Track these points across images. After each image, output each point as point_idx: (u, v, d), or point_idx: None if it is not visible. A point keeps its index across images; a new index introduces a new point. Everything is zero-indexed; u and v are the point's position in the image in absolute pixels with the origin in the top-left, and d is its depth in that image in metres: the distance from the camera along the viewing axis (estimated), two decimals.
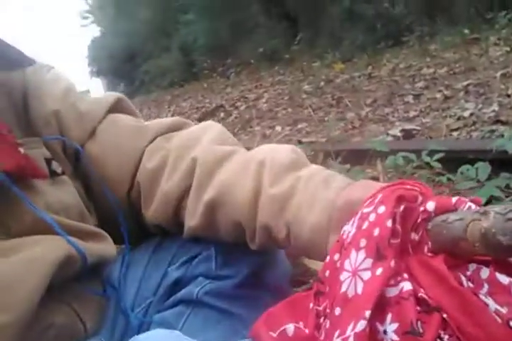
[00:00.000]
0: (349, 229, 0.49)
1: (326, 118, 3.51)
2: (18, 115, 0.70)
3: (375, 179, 1.89)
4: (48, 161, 0.68)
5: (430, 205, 0.47)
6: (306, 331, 0.50)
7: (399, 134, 2.82)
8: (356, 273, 0.45)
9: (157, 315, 0.70)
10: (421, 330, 0.42)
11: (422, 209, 0.48)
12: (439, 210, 0.47)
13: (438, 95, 3.55)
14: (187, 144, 0.72)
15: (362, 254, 0.46)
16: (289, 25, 8.69)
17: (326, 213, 0.56)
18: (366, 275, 0.45)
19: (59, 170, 0.69)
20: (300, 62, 6.93)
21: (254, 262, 0.70)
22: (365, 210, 0.49)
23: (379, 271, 0.44)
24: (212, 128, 0.75)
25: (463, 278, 0.44)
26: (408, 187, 0.50)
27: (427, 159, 1.73)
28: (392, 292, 0.44)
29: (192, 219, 0.68)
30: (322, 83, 5.07)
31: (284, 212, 0.60)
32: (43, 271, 0.54)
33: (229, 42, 10.10)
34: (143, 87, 12.63)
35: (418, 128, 2.91)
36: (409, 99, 3.71)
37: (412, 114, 3.31)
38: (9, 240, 0.57)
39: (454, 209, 0.47)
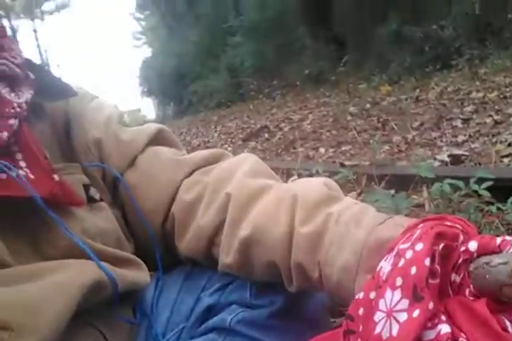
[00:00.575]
0: (385, 266, 0.47)
1: (370, 141, 3.45)
2: (59, 142, 0.72)
3: (421, 206, 1.84)
4: (86, 187, 0.69)
5: (473, 245, 0.45)
6: None
7: (446, 159, 2.75)
8: (391, 314, 0.43)
9: None
10: None
11: (463, 248, 0.45)
12: (482, 251, 0.44)
13: (488, 120, 3.46)
14: (222, 177, 0.72)
15: (398, 294, 0.43)
16: (335, 47, 8.72)
17: (356, 253, 0.55)
18: (402, 316, 0.42)
19: (97, 196, 0.70)
20: (346, 84, 6.91)
21: (289, 292, 0.67)
22: (402, 246, 0.46)
23: (416, 312, 0.42)
24: (247, 160, 0.75)
25: (507, 323, 0.41)
26: (449, 224, 0.47)
27: (475, 187, 1.67)
28: (430, 335, 0.42)
29: (227, 256, 0.68)
30: (368, 105, 5.03)
31: (316, 252, 0.59)
32: (71, 294, 0.53)
33: (275, 64, 10.21)
34: (191, 107, 12.86)
35: (466, 153, 2.83)
36: (458, 123, 3.63)
37: (460, 138, 3.22)
38: (40, 263, 0.57)
39: (498, 250, 0.44)
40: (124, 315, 0.68)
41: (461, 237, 0.46)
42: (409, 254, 0.45)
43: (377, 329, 0.44)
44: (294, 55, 9.71)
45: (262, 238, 0.64)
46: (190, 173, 0.75)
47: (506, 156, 2.63)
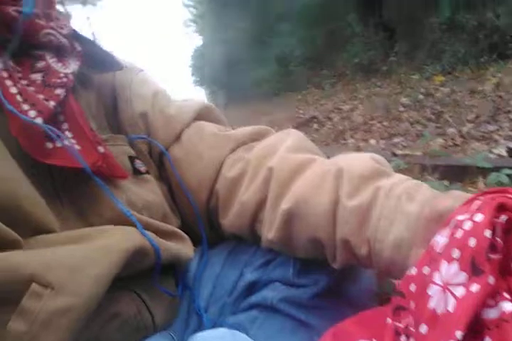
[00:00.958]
0: (440, 240, 0.44)
1: (424, 133, 3.40)
2: (106, 113, 0.73)
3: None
4: (132, 159, 0.70)
5: None
6: None
7: (504, 153, 2.70)
8: (447, 287, 0.40)
9: (230, 317, 0.70)
10: None
11: None
12: None
13: None
14: (265, 153, 0.72)
15: (455, 267, 0.41)
16: (386, 35, 8.53)
17: (409, 227, 0.52)
18: (459, 291, 0.40)
19: (142, 168, 0.70)
20: (398, 75, 6.76)
21: (334, 273, 0.67)
22: (460, 217, 0.43)
23: (474, 287, 0.39)
24: (290, 135, 0.74)
25: None
26: (510, 195, 0.44)
27: None
28: (491, 313, 0.39)
29: (269, 231, 0.67)
30: (421, 96, 4.92)
31: (364, 227, 0.57)
32: (114, 257, 0.53)
33: (324, 53, 10.06)
34: (241, 96, 12.81)
35: None
36: None
37: None
38: (86, 228, 0.58)
39: None
40: (166, 286, 0.68)
41: None
42: (467, 225, 0.42)
43: (431, 304, 0.41)
44: (344, 43, 9.56)
45: (304, 212, 0.62)
46: (234, 150, 0.75)
47: None
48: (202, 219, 0.74)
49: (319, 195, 0.61)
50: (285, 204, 0.64)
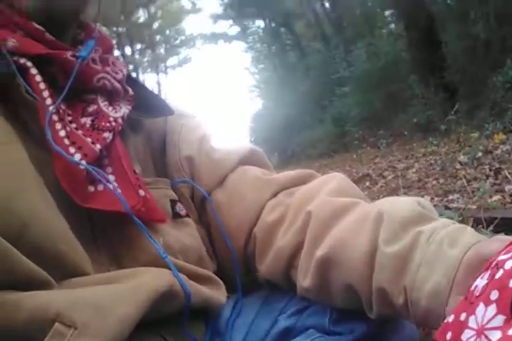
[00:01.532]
0: (480, 283, 0.42)
1: (481, 190, 3.22)
2: (154, 157, 0.75)
3: None
4: (173, 202, 0.70)
5: None
6: None
7: None
8: (483, 332, 0.38)
9: None
10: None
11: None
12: None
13: None
14: (306, 197, 0.70)
15: (492, 309, 0.38)
16: (446, 96, 8.46)
17: (448, 274, 0.50)
18: (495, 335, 0.37)
19: (183, 212, 0.71)
20: (456, 133, 6.64)
21: (373, 322, 0.63)
22: (501, 257, 0.41)
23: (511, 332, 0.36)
24: (334, 179, 0.72)
25: None
26: None
27: None
28: None
29: (304, 278, 0.65)
30: (480, 154, 4.76)
31: (402, 274, 0.54)
32: (142, 297, 0.53)
33: (382, 114, 10.13)
34: (294, 157, 13.12)
35: None
36: None
37: None
38: (119, 270, 0.59)
39: None
40: (195, 332, 0.66)
41: None
42: (508, 265, 0.39)
43: None
44: (403, 105, 9.58)
45: (341, 258, 0.60)
46: (276, 194, 0.75)
47: None
48: (238, 265, 0.75)
49: (357, 240, 0.60)
50: (322, 250, 0.62)
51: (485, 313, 0.38)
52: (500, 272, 0.39)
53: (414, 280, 0.52)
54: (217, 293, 0.67)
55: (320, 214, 0.65)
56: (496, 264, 0.41)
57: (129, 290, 0.54)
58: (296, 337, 0.66)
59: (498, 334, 0.37)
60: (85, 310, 0.49)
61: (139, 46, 24.90)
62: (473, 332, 0.38)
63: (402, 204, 0.60)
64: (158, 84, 25.46)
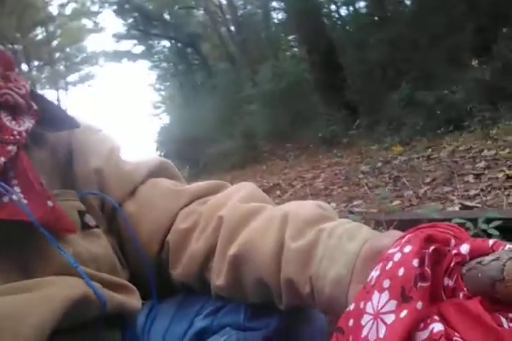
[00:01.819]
0: (374, 273, 0.46)
1: (381, 195, 3.43)
2: (59, 170, 0.74)
3: None
4: (81, 214, 0.69)
5: (464, 248, 0.44)
6: None
7: (457, 210, 2.70)
8: (378, 315, 0.42)
9: None
10: None
11: (455, 252, 0.44)
12: (474, 253, 0.43)
13: (500, 175, 3.42)
14: (218, 204, 0.72)
15: (385, 296, 0.43)
16: (348, 112, 8.91)
17: (348, 265, 0.54)
18: (390, 318, 0.41)
19: (92, 223, 0.70)
20: (358, 146, 7.00)
21: (285, 316, 0.66)
22: (391, 251, 0.46)
23: (403, 313, 0.41)
24: (244, 187, 0.76)
25: (503, 320, 0.39)
26: (441, 230, 0.47)
27: (484, 226, 1.63)
28: (422, 335, 0.40)
29: (218, 278, 0.67)
30: (379, 164, 5.05)
31: (307, 266, 0.58)
32: (56, 304, 0.53)
33: (289, 129, 10.44)
34: (206, 170, 13.04)
35: (478, 205, 2.79)
36: (470, 178, 3.59)
37: (472, 192, 3.18)
38: (29, 280, 0.57)
39: (491, 252, 0.43)
40: (111, 340, 0.66)
41: (453, 241, 0.45)
42: (397, 257, 0.44)
43: (364, 333, 0.43)
44: (308, 121, 9.91)
45: (251, 255, 0.63)
46: (188, 203, 0.76)
47: None
48: (152, 272, 0.74)
49: (265, 238, 0.63)
50: (233, 249, 0.65)
51: (379, 300, 0.43)
52: (390, 263, 0.44)
53: (318, 271, 0.56)
54: (131, 300, 0.67)
55: (230, 218, 0.68)
56: (387, 257, 0.45)
57: (43, 298, 0.53)
58: (213, 336, 0.68)
59: (392, 316, 0.41)
60: None
61: (36, 63, 23.95)
62: (371, 317, 0.43)
63: (305, 207, 0.65)
64: (58, 100, 24.51)
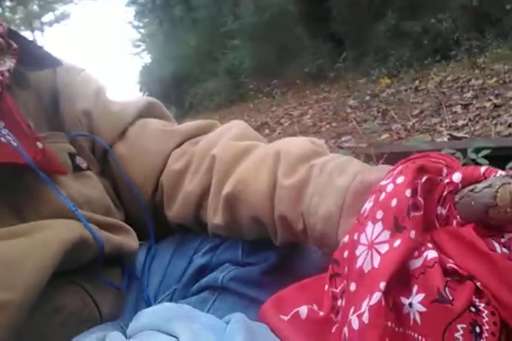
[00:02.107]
0: (367, 205, 0.47)
1: (370, 129, 3.44)
2: (45, 112, 0.72)
3: None
4: (72, 156, 0.68)
5: (456, 176, 0.44)
6: (321, 313, 0.47)
7: (446, 141, 2.73)
8: (373, 246, 0.43)
9: (181, 301, 0.68)
10: (450, 297, 0.39)
11: (447, 181, 0.44)
12: (467, 181, 0.43)
13: (487, 104, 3.44)
14: (210, 144, 0.72)
15: (379, 226, 0.43)
16: (334, 45, 8.72)
17: (338, 200, 0.54)
18: (383, 248, 0.42)
19: (83, 165, 0.69)
20: (345, 80, 6.92)
21: (282, 250, 0.67)
22: (383, 182, 0.46)
23: (397, 242, 0.41)
24: (235, 126, 0.75)
25: (496, 245, 0.40)
26: (432, 159, 0.47)
27: (473, 156, 1.65)
28: (417, 263, 0.41)
29: (214, 217, 0.68)
30: (368, 97, 5.02)
31: (299, 203, 0.58)
32: (52, 249, 0.52)
33: (274, 65, 10.23)
34: (192, 110, 12.92)
35: (467, 136, 2.81)
36: (458, 109, 3.61)
37: (460, 123, 3.20)
38: (23, 224, 0.56)
39: (483, 179, 0.43)
40: (112, 278, 0.66)
41: (445, 171, 0.45)
42: (389, 188, 0.44)
43: (359, 263, 0.43)
44: (293, 55, 9.73)
45: (245, 193, 0.63)
46: (181, 144, 0.75)
47: (507, 136, 2.61)
48: (148, 213, 0.74)
49: (258, 177, 0.63)
50: (226, 189, 0.65)
51: (373, 230, 0.43)
52: (383, 195, 0.44)
53: (309, 207, 0.57)
54: (128, 240, 0.67)
55: (223, 157, 0.67)
56: (379, 189, 0.46)
57: (39, 243, 0.52)
58: (212, 272, 0.69)
59: (386, 246, 0.42)
60: None
61: (8, 3, 22.94)
62: (365, 247, 0.43)
63: (296, 143, 0.64)
64: (34, 41, 23.75)
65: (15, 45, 0.65)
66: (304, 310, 0.48)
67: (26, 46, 0.68)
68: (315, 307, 0.48)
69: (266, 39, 10.69)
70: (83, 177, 0.68)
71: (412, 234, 0.42)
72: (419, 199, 0.43)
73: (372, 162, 2.15)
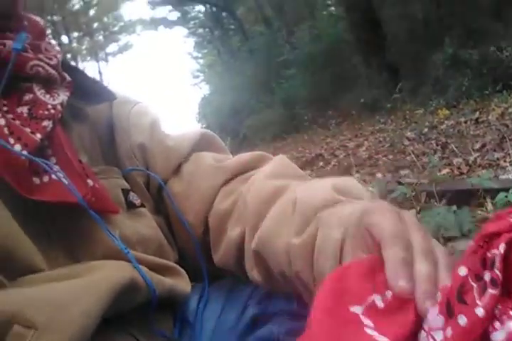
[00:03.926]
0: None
1: (430, 164, 3.35)
2: (101, 145, 0.72)
3: (486, 220, 1.75)
4: (125, 192, 0.67)
5: None
6: None
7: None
8: (430, 333, 0.38)
9: None
10: None
11: None
12: None
13: None
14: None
15: (435, 310, 0.39)
16: (390, 75, 8.65)
17: (335, 257, 0.50)
18: (439, 336, 0.37)
19: (137, 202, 0.68)
20: (402, 111, 6.81)
21: None
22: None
23: (449, 331, 0.37)
24: (274, 162, 0.72)
25: None
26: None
27: None
28: (499, 336, 0.36)
29: (251, 271, 0.65)
30: (426, 129, 4.91)
31: (309, 264, 0.55)
32: (101, 292, 0.51)
33: (330, 95, 10.23)
34: (247, 141, 13.03)
35: None
36: None
37: None
38: (74, 265, 0.56)
39: None
40: (163, 325, 0.65)
41: None
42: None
43: None
44: (349, 85, 9.71)
45: (268, 251, 0.61)
46: (230, 180, 0.73)
47: None
48: (201, 253, 0.72)
49: (276, 234, 0.60)
50: (254, 244, 0.63)
51: (431, 315, 0.38)
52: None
53: (317, 267, 0.53)
54: (180, 283, 0.66)
55: (252, 204, 0.65)
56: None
57: (89, 284, 0.51)
58: (267, 324, 0.66)
59: (440, 334, 0.37)
60: (42, 309, 0.47)
61: (76, 34, 24.20)
62: (425, 334, 0.39)
63: (317, 191, 0.60)
64: (100, 72, 24.84)
65: (69, 78, 0.65)
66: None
67: (81, 79, 0.68)
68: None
69: (321, 68, 10.75)
70: (137, 214, 0.67)
71: (480, 311, 0.36)
72: (496, 272, 0.37)
73: (435, 200, 2.08)
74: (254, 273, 0.65)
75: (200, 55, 27.52)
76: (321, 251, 0.53)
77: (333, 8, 13.45)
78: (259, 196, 0.65)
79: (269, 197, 0.64)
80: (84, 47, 24.96)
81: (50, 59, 0.63)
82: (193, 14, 24.11)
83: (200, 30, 24.96)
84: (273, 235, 0.60)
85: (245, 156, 0.76)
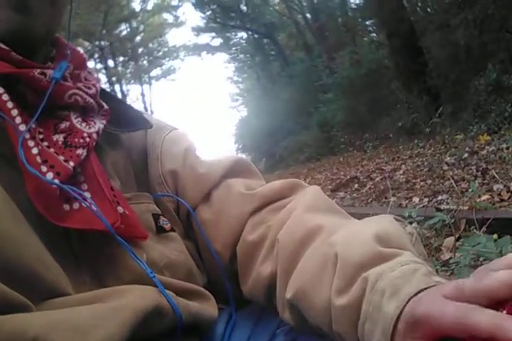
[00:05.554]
0: None
1: (470, 190, 3.23)
2: (135, 172, 0.74)
3: None
4: (156, 217, 0.69)
5: None
6: None
7: None
8: None
9: None
10: None
11: None
12: None
13: None
14: (283, 219, 0.68)
15: None
16: (430, 99, 8.53)
17: (386, 332, 0.48)
18: None
19: (167, 226, 0.69)
20: (442, 136, 6.68)
21: None
22: None
23: None
24: (307, 194, 0.71)
25: None
26: None
27: None
28: None
29: (283, 313, 0.64)
30: (466, 155, 4.78)
31: (354, 327, 0.53)
32: (125, 317, 0.51)
33: (367, 118, 10.20)
34: (282, 162, 13.12)
35: None
36: None
37: None
38: (100, 290, 0.56)
39: None
40: None
41: None
42: None
43: None
44: (387, 109, 9.64)
45: (304, 305, 0.59)
46: (260, 208, 0.73)
47: None
48: (228, 279, 0.73)
49: (316, 288, 0.58)
50: (288, 294, 0.61)
51: None
52: None
53: (363, 333, 0.51)
54: (208, 307, 0.66)
55: (286, 244, 0.64)
56: None
57: (112, 309, 0.51)
58: None
59: None
60: (64, 333, 0.47)
61: (121, 58, 24.97)
62: None
63: (359, 243, 0.56)
64: (143, 95, 25.50)
65: (106, 107, 0.67)
66: None
67: (118, 107, 0.70)
68: None
69: (360, 93, 10.73)
70: (166, 238, 0.68)
71: None
72: None
73: (475, 228, 1.99)
74: (286, 317, 0.64)
75: (240, 80, 28.08)
76: (368, 319, 0.50)
77: (374, 35, 13.49)
78: (292, 235, 0.64)
79: (303, 237, 0.63)
80: (128, 70, 25.74)
81: (89, 88, 0.65)
82: (235, 40, 24.75)
83: (241, 56, 25.52)
84: (311, 289, 0.58)
85: (277, 184, 0.75)
